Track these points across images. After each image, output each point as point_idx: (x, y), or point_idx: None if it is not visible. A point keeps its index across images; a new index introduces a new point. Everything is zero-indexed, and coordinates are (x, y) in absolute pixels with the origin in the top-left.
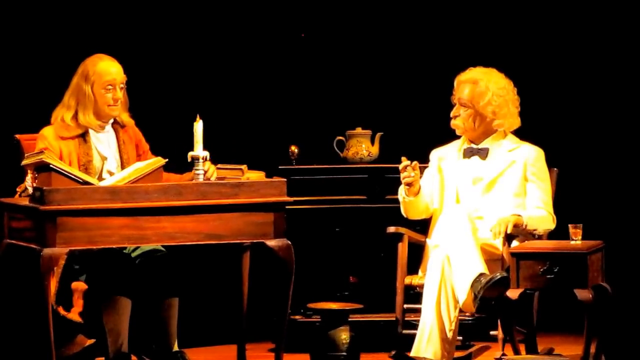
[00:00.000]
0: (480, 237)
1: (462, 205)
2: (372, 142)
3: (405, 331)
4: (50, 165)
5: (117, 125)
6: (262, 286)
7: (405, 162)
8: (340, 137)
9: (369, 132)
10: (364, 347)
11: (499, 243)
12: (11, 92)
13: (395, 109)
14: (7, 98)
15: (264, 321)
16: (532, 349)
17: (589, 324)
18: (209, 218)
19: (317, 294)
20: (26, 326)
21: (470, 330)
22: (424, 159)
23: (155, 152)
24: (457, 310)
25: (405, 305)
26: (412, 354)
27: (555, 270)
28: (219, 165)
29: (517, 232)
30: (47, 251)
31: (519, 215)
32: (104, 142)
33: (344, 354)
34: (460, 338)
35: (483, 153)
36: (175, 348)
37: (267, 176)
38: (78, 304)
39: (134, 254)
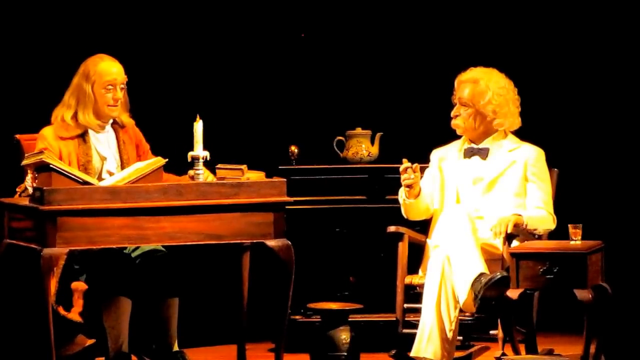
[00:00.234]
0: (481, 237)
1: (463, 205)
2: (372, 142)
3: (405, 331)
4: (51, 166)
5: (117, 126)
6: (262, 286)
7: (406, 164)
8: (340, 137)
9: (368, 132)
10: (364, 347)
11: (499, 243)
12: (11, 92)
13: (395, 109)
14: (7, 98)
15: (264, 321)
16: (532, 349)
17: (588, 324)
18: (209, 218)
19: (317, 294)
20: (26, 326)
21: (470, 330)
22: (424, 159)
23: (156, 152)
24: (457, 310)
25: (405, 305)
26: (412, 353)
27: (555, 270)
28: (219, 165)
29: (518, 231)
30: (47, 251)
31: (520, 215)
32: (103, 142)
33: (344, 354)
34: (460, 338)
35: (483, 153)
36: (176, 348)
37: (267, 176)
38: (78, 304)
39: (134, 254)
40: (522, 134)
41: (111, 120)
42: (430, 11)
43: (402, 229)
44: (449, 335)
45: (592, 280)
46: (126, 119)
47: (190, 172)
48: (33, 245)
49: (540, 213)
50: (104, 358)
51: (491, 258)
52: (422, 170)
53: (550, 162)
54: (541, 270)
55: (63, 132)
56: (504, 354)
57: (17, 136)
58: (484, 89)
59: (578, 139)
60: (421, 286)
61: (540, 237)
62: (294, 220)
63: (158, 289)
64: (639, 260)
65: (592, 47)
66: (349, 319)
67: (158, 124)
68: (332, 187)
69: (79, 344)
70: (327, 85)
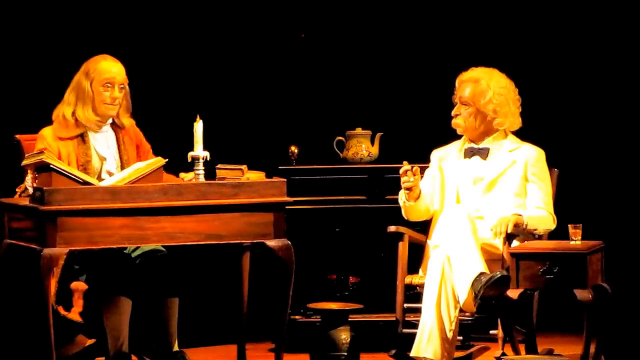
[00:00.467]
0: (481, 237)
1: (463, 205)
2: (372, 143)
3: (405, 331)
4: (51, 166)
5: (117, 126)
6: (262, 286)
7: (406, 166)
8: (340, 138)
9: (368, 132)
10: (364, 347)
11: (499, 243)
12: (12, 93)
13: (395, 110)
14: (7, 98)
15: (264, 321)
16: (531, 349)
17: (588, 324)
18: (209, 218)
19: (317, 294)
20: (26, 326)
21: (470, 330)
22: (424, 159)
23: (156, 152)
24: (457, 310)
25: (405, 305)
26: (412, 353)
27: (555, 270)
28: (219, 166)
29: (518, 231)
30: (47, 251)
31: (520, 215)
32: (102, 142)
33: (344, 354)
34: (460, 338)
35: (484, 153)
36: (176, 348)
37: (267, 176)
38: (78, 304)
39: (134, 254)
40: (523, 134)
41: (110, 120)
42: (431, 11)
43: (402, 229)
44: (449, 335)
45: (592, 280)
46: (127, 121)
47: (182, 175)
48: (33, 245)
49: (540, 213)
50: (104, 358)
51: (491, 258)
52: (422, 170)
53: (550, 162)
54: (541, 270)
55: (62, 133)
56: (503, 354)
57: (18, 136)
58: (485, 88)
59: (578, 139)
60: (421, 286)
61: (540, 237)
62: (294, 220)
63: (158, 289)
64: (639, 260)
65: (592, 47)
66: (349, 319)
67: (158, 124)
68: (332, 187)
69: (79, 344)
70: (327, 85)
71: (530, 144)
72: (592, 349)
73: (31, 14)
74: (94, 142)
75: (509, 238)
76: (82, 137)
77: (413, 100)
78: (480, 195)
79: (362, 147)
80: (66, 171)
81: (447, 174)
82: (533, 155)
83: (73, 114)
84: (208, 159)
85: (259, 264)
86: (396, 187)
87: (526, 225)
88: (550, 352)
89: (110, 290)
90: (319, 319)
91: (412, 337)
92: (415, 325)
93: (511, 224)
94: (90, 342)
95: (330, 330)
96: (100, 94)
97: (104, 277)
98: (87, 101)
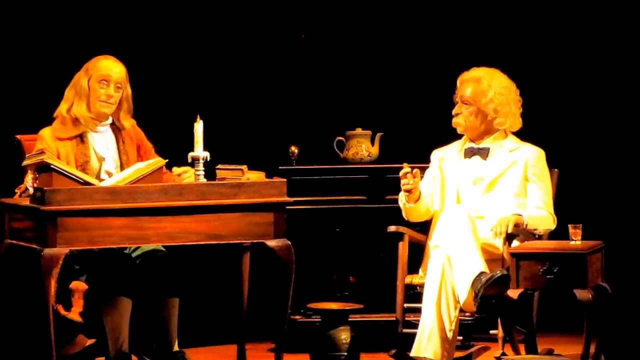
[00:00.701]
0: (481, 237)
1: (463, 205)
2: (372, 143)
3: (405, 331)
4: (51, 166)
5: (116, 127)
6: (262, 286)
7: (406, 169)
8: (340, 138)
9: (369, 132)
10: (364, 347)
11: (499, 243)
12: (12, 93)
13: (396, 110)
14: (8, 98)
15: (264, 321)
16: (531, 349)
17: (588, 324)
18: (210, 218)
19: (317, 294)
20: (27, 326)
21: (470, 330)
22: (424, 159)
23: (156, 152)
24: (457, 310)
25: (406, 305)
26: (412, 353)
27: (555, 270)
28: (220, 166)
29: (518, 231)
30: (47, 251)
31: (520, 215)
32: (101, 143)
33: (344, 354)
34: (460, 338)
35: (484, 153)
36: (176, 348)
37: (267, 176)
38: (79, 304)
39: (134, 254)
40: (523, 134)
41: (110, 121)
42: (431, 12)
43: (402, 229)
44: (449, 335)
45: (592, 280)
46: (127, 122)
47: (175, 169)
48: (34, 246)
49: (540, 213)
50: (104, 358)
51: (491, 258)
52: (423, 170)
53: (551, 162)
54: (541, 270)
55: (61, 133)
56: (503, 354)
57: (18, 136)
58: (486, 87)
59: (578, 139)
60: (421, 286)
61: (540, 237)
62: (294, 220)
63: (158, 289)
64: (639, 260)
65: (592, 48)
66: (349, 319)
67: (158, 125)
68: (332, 187)
69: (79, 344)
70: (327, 85)
71: (531, 144)
72: (592, 348)
73: (31, 14)
74: (93, 142)
75: (509, 238)
76: (81, 138)
77: (413, 101)
78: (481, 195)
79: (362, 147)
80: (67, 171)
81: (447, 174)
82: (533, 155)
83: (69, 110)
84: (208, 159)
85: (259, 264)
86: (396, 187)
87: (526, 225)
88: (550, 352)
89: (110, 290)
90: (319, 319)
91: (412, 337)
92: (415, 325)
93: (511, 224)
94: (90, 342)
95: (331, 330)
96: (95, 91)
97: (104, 277)
98: (83, 97)
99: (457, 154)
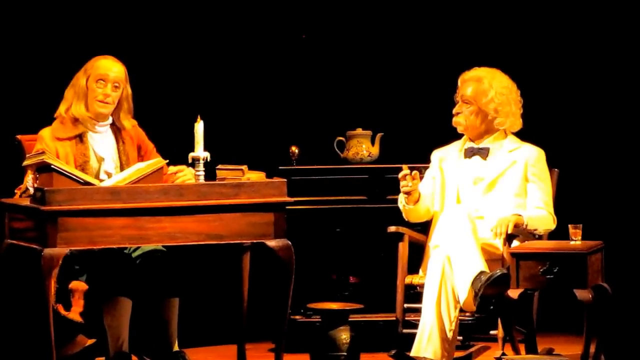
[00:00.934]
0: (481, 237)
1: (463, 205)
2: (373, 143)
3: (405, 331)
4: (52, 166)
5: (117, 127)
6: (263, 286)
7: (405, 170)
8: (341, 138)
9: (369, 132)
10: (364, 347)
11: (499, 243)
12: (12, 93)
13: (396, 110)
14: (8, 98)
15: (264, 321)
16: (532, 349)
17: (588, 324)
18: (210, 218)
19: (318, 294)
20: (27, 326)
21: (470, 330)
22: (424, 160)
23: (157, 152)
24: (458, 310)
25: (406, 305)
26: (412, 353)
27: (555, 270)
28: (220, 166)
29: (518, 232)
30: (48, 251)
31: (520, 215)
32: (101, 143)
33: (344, 354)
34: (460, 338)
35: (484, 153)
36: (176, 348)
37: (268, 176)
38: (79, 304)
39: (134, 254)
40: (523, 134)
41: (110, 121)
42: (431, 12)
43: (402, 229)
44: (449, 335)
45: (592, 280)
46: (127, 122)
47: (171, 168)
48: (34, 246)
49: (540, 213)
50: (104, 358)
51: (491, 258)
52: (423, 170)
53: (550, 162)
54: (541, 270)
55: (60, 133)
56: (504, 354)
57: (19, 137)
58: (487, 87)
59: (578, 139)
60: (421, 286)
61: (540, 237)
62: (295, 220)
63: (158, 289)
64: (639, 260)
65: (592, 47)
66: (349, 319)
67: (159, 125)
68: (332, 188)
69: (79, 344)
70: (327, 86)
71: (530, 144)
72: (592, 348)
73: (32, 14)
74: (93, 142)
75: (509, 239)
76: (80, 138)
77: (413, 101)
78: (481, 195)
79: (363, 147)
80: (67, 171)
81: (448, 174)
82: (533, 156)
83: (67, 110)
84: (209, 159)
85: (259, 264)
86: (397, 187)
87: (526, 226)
88: (550, 352)
89: (110, 290)
90: (319, 319)
91: (412, 337)
92: (415, 325)
93: (511, 225)
94: (90, 342)
95: (331, 330)
96: (93, 90)
97: (105, 277)
98: (81, 96)
99: (457, 154)
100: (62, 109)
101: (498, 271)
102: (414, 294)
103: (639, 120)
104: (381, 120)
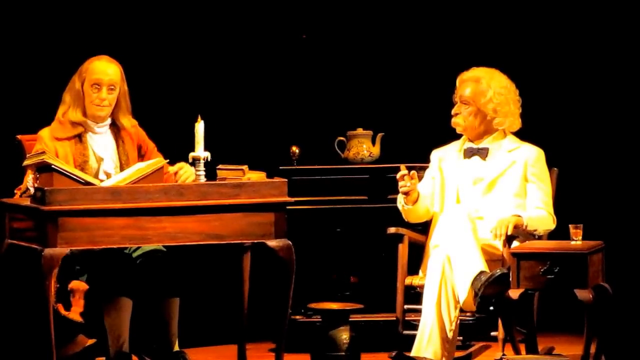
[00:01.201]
0: (481, 238)
1: (463, 205)
2: (373, 143)
3: (405, 332)
4: (52, 166)
5: (116, 127)
6: (263, 286)
7: (403, 171)
8: (341, 138)
9: (370, 132)
10: (364, 347)
11: (499, 243)
12: (12, 93)
13: (396, 110)
14: (8, 98)
15: (264, 321)
16: (532, 349)
17: (589, 324)
18: (210, 218)
19: (318, 294)
20: (27, 326)
21: (470, 330)
22: (424, 159)
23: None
24: (458, 310)
25: (406, 306)
26: (412, 353)
27: (556, 270)
28: (220, 166)
29: (518, 233)
30: (48, 251)
31: (519, 216)
32: (100, 143)
33: (345, 354)
34: (461, 338)
35: (483, 153)
36: (176, 348)
37: (268, 176)
38: (79, 304)
39: (135, 254)
40: (522, 133)
41: (109, 121)
42: (431, 12)
43: (402, 230)
44: (449, 335)
45: (592, 280)
46: (127, 121)
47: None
48: (34, 246)
49: (540, 213)
50: (104, 358)
51: (491, 259)
52: (422, 170)
53: (550, 162)
54: (542, 270)
55: (59, 133)
56: (504, 354)
57: (19, 137)
58: (485, 87)
59: (578, 139)
60: (421, 287)
61: (540, 238)
62: (295, 220)
63: (159, 289)
64: (639, 260)
65: (592, 47)
66: (350, 319)
67: (159, 125)
68: (333, 188)
69: (79, 344)
70: (328, 85)
71: (530, 143)
72: (593, 349)
73: (32, 14)
74: (92, 142)
75: (508, 240)
76: (80, 137)
77: (414, 101)
78: (480, 195)
79: (363, 147)
80: (67, 171)
81: (447, 174)
82: (532, 156)
83: (65, 113)
84: (209, 159)
85: (259, 264)
86: (397, 187)
87: (526, 227)
88: (550, 351)
89: (111, 290)
90: (320, 319)
91: (413, 337)
92: (415, 326)
93: (511, 226)
94: (90, 342)
95: (331, 330)
96: (89, 95)
97: (105, 277)
98: (78, 102)
99: (457, 154)
100: (60, 112)
101: (498, 271)
102: (414, 294)
103: (638, 120)
104: (382, 120)
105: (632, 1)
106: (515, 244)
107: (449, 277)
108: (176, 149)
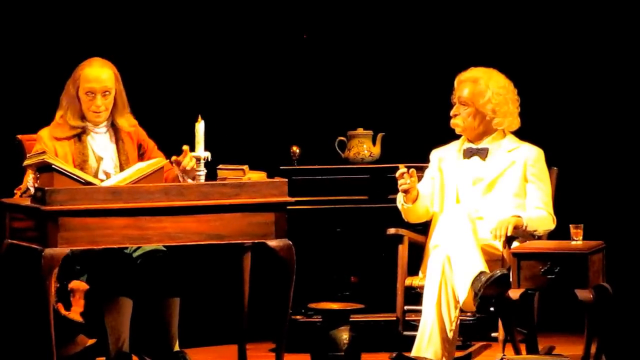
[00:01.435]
0: (481, 238)
1: (463, 205)
2: (374, 143)
3: (405, 333)
4: (52, 166)
5: (116, 127)
6: (263, 286)
7: (402, 169)
8: (342, 138)
9: (370, 132)
10: (364, 347)
11: (499, 244)
12: (12, 93)
13: (397, 110)
14: (8, 98)
15: (264, 321)
16: (532, 349)
17: (589, 324)
18: (211, 218)
19: (318, 294)
20: (27, 326)
21: (471, 330)
22: (424, 159)
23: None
24: (458, 310)
25: (406, 307)
26: (412, 354)
27: (556, 270)
28: (221, 166)
29: (517, 233)
30: (48, 251)
31: (519, 217)
32: (100, 142)
33: (345, 354)
34: (461, 338)
35: (483, 153)
36: (176, 348)
37: (269, 176)
38: (79, 304)
39: (135, 254)
40: (522, 133)
41: (108, 121)
42: (431, 12)
43: (402, 231)
44: (450, 335)
45: (593, 280)
46: (125, 121)
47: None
48: (34, 246)
49: (539, 213)
50: (104, 358)
51: (491, 259)
52: (422, 170)
53: (550, 162)
54: (542, 270)
55: (59, 133)
56: (504, 355)
57: (19, 137)
58: (484, 88)
59: (578, 138)
60: (421, 287)
61: (540, 238)
62: (296, 220)
63: (159, 289)
64: (639, 260)
65: (592, 47)
66: (350, 319)
67: (159, 124)
68: (333, 188)
69: (79, 344)
70: (328, 85)
71: (529, 143)
72: (593, 349)
73: (32, 14)
74: (91, 142)
75: (508, 241)
76: (79, 137)
77: (414, 101)
78: (480, 195)
79: (364, 147)
80: (68, 171)
81: (447, 174)
82: (532, 155)
83: (62, 117)
84: (209, 159)
85: (260, 264)
86: (397, 186)
87: (526, 227)
88: (550, 350)
89: (111, 290)
90: (320, 319)
91: (413, 338)
92: (415, 326)
93: (511, 227)
94: (91, 342)
95: (331, 330)
96: (85, 102)
97: (105, 277)
98: (75, 107)
99: (456, 154)
100: (58, 115)
101: (498, 271)
102: (414, 295)
103: (638, 119)
104: (382, 120)
105: (632, 1)
106: (515, 244)
107: (449, 277)
108: (176, 148)
